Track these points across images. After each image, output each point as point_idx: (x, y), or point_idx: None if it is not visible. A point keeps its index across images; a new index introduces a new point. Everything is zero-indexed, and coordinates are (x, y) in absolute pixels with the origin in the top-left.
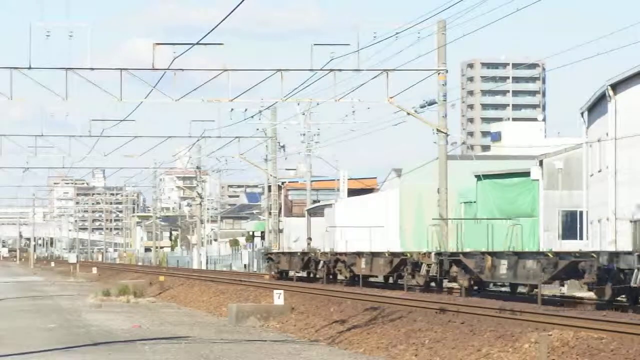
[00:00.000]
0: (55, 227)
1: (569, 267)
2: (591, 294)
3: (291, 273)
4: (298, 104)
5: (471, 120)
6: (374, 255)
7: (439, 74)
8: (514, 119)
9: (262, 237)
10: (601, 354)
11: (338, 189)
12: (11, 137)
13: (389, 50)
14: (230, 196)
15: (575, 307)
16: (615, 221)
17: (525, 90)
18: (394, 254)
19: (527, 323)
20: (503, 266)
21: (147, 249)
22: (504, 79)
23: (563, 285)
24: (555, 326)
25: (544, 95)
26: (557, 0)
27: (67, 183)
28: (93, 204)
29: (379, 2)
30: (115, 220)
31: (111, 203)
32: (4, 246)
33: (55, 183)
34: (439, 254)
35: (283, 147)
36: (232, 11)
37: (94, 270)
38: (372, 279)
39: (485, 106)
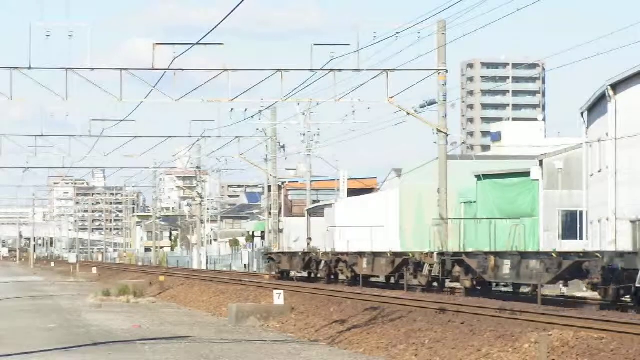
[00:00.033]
0: (55, 227)
1: (573, 267)
2: (592, 294)
3: (292, 273)
4: (298, 104)
5: (471, 120)
6: (375, 255)
7: (439, 74)
8: (514, 119)
9: (262, 237)
10: (601, 354)
11: (338, 189)
12: (11, 137)
13: (389, 50)
14: (230, 196)
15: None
16: (615, 221)
17: (525, 90)
18: (396, 254)
19: (527, 323)
20: (506, 266)
21: (147, 249)
22: (504, 79)
23: (567, 286)
24: (555, 326)
25: (544, 95)
26: (557, 0)
27: (67, 183)
28: (93, 204)
29: (379, 2)
30: (115, 220)
31: (111, 203)
32: (4, 246)
33: (55, 183)
34: (441, 254)
35: (283, 147)
36: (232, 11)
37: (94, 270)
38: (373, 279)
39: (485, 106)
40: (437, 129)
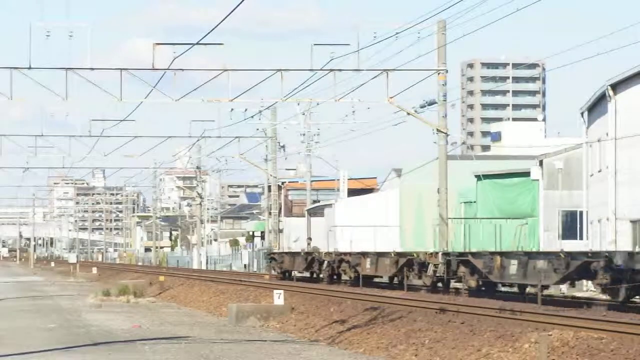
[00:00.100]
0: (55, 227)
1: (581, 267)
2: (592, 294)
3: (294, 273)
4: (298, 104)
5: (471, 120)
6: (379, 255)
7: (439, 74)
8: (514, 119)
9: (262, 237)
10: (601, 354)
11: (338, 189)
12: (11, 137)
13: (389, 50)
14: (230, 196)
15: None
16: (615, 221)
17: (525, 90)
18: (399, 254)
19: (527, 323)
20: (513, 266)
21: (147, 249)
22: (504, 79)
23: (574, 286)
24: (555, 326)
25: (544, 95)
26: (557, 0)
27: (67, 183)
28: (93, 204)
29: (379, 2)
30: (115, 220)
31: (111, 203)
32: (4, 246)
33: (55, 183)
34: (446, 254)
35: (283, 147)
36: (232, 11)
37: (94, 270)
38: (377, 280)
39: (485, 106)
40: (437, 129)
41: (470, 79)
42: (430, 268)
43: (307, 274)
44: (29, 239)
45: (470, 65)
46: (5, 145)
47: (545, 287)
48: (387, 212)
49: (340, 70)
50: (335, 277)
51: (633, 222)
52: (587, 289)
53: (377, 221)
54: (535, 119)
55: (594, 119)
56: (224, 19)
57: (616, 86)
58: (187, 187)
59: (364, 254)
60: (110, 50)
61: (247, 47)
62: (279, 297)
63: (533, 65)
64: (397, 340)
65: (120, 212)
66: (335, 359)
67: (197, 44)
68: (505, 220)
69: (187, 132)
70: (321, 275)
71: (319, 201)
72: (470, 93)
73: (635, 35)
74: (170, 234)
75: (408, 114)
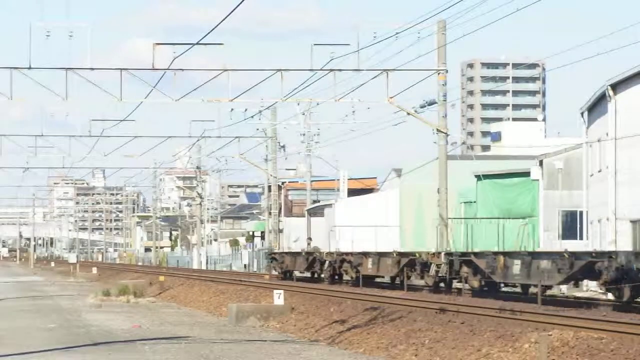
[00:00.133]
0: (55, 227)
1: (586, 267)
2: (592, 294)
3: (295, 273)
4: (298, 104)
5: (471, 120)
6: (381, 255)
7: (439, 74)
8: (514, 119)
9: (262, 237)
10: (601, 354)
11: (338, 189)
12: (11, 137)
13: (389, 50)
14: (230, 196)
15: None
16: (615, 221)
17: (525, 90)
18: (401, 254)
19: (527, 323)
20: (516, 266)
21: (147, 249)
22: (504, 79)
23: (578, 286)
24: (555, 326)
25: (544, 95)
26: (557, 0)
27: (67, 183)
28: (93, 204)
29: (379, 2)
30: (115, 220)
31: (111, 203)
32: (4, 246)
33: (55, 183)
34: (449, 254)
35: (283, 147)
36: (232, 11)
37: (94, 270)
38: (378, 280)
39: (485, 106)
40: (437, 129)
41: (470, 79)
42: (433, 268)
43: (308, 274)
44: (29, 239)
45: (470, 65)
46: (5, 145)
47: (549, 287)
48: (387, 212)
49: (340, 70)
50: (336, 277)
51: (633, 222)
52: (587, 289)
53: (377, 221)
54: (535, 119)
55: (594, 119)
56: (224, 19)
57: (616, 86)
58: (187, 187)
59: (366, 254)
60: (110, 50)
61: (247, 47)
62: (279, 297)
63: (533, 65)
64: (397, 340)
65: (120, 212)
66: (335, 359)
67: (197, 44)
68: (506, 220)
69: (187, 132)
70: (322, 276)
71: (319, 201)
72: (470, 93)
73: (635, 35)
74: (170, 234)
75: (408, 114)
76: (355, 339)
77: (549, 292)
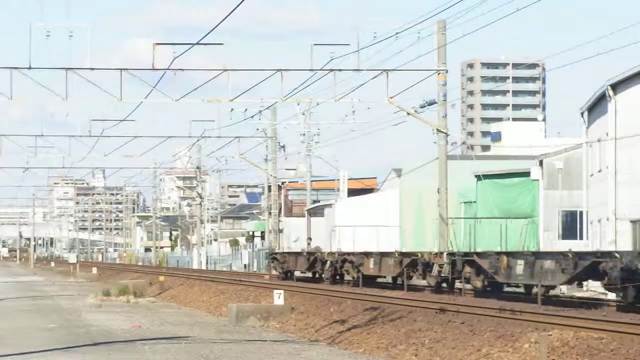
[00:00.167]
0: (55, 227)
1: (590, 267)
2: (592, 293)
3: (296, 273)
4: (298, 104)
5: (471, 120)
6: (383, 255)
7: (439, 74)
8: (514, 119)
9: (262, 237)
10: (601, 354)
11: (338, 189)
12: (11, 137)
13: (389, 50)
14: (230, 196)
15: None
16: (615, 221)
17: (525, 90)
18: (403, 254)
19: (527, 323)
20: (519, 267)
21: (147, 249)
22: (504, 79)
23: (581, 286)
24: (555, 326)
25: (544, 95)
26: (557, 0)
27: (67, 183)
28: (93, 204)
29: (379, 2)
30: (115, 220)
31: (111, 203)
32: (4, 246)
33: (55, 183)
34: (451, 254)
35: (283, 147)
36: (232, 11)
37: (94, 270)
38: (379, 280)
39: (485, 106)
40: (437, 129)
41: (470, 79)
42: (435, 268)
43: (309, 274)
44: (29, 239)
45: (470, 65)
46: (5, 145)
47: (552, 287)
48: (387, 212)
49: (340, 70)
50: (337, 277)
51: (633, 222)
52: (587, 289)
53: (377, 221)
54: (535, 119)
55: (594, 119)
56: (224, 19)
57: (616, 86)
58: (187, 187)
59: (367, 254)
60: (110, 50)
61: (247, 47)
62: (279, 297)
63: (533, 65)
64: (397, 340)
65: (120, 212)
66: (335, 359)
67: (197, 44)
68: (507, 219)
69: (187, 132)
70: (324, 276)
71: (319, 201)
72: (470, 93)
73: (635, 35)
74: (170, 234)
75: (408, 114)
76: (355, 339)
77: (551, 292)
